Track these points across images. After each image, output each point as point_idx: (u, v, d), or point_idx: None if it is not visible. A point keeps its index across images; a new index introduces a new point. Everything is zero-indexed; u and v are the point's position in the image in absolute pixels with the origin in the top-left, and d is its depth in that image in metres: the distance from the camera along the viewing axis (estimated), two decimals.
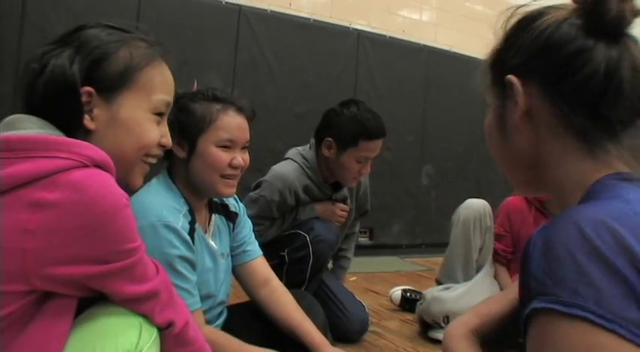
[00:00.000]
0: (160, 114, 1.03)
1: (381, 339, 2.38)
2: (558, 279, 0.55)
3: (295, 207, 2.24)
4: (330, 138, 2.21)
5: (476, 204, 2.49)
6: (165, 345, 0.97)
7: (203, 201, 1.56)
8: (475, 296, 2.37)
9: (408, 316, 2.77)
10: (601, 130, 0.70)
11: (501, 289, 2.39)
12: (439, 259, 4.84)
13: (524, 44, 0.74)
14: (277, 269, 2.09)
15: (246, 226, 1.71)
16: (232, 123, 1.49)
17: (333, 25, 4.46)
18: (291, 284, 2.09)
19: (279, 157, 2.39)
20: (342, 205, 2.34)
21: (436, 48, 5.04)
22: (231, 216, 1.65)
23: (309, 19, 4.33)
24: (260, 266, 1.71)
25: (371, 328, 2.43)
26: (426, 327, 2.45)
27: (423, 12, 5.11)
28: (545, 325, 0.56)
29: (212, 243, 1.55)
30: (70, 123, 0.92)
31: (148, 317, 0.92)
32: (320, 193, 2.29)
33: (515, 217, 2.55)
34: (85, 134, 0.93)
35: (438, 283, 2.55)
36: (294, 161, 2.26)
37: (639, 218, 0.58)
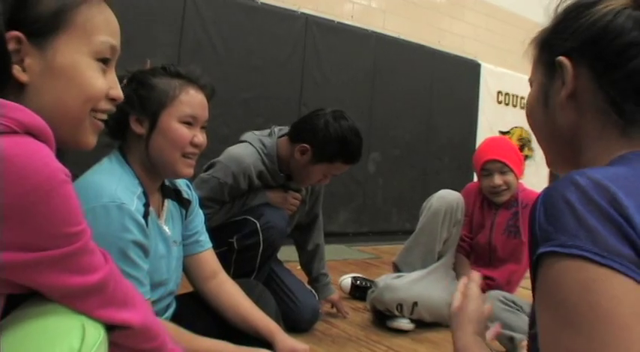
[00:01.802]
0: (104, 61, 0.88)
1: (333, 328, 2.32)
2: (559, 226, 0.61)
3: (246, 193, 2.14)
4: (308, 146, 2.12)
5: (450, 196, 2.45)
6: (125, 345, 0.85)
7: (157, 184, 1.45)
8: (427, 284, 2.35)
9: (359, 304, 2.73)
10: None
11: (458, 279, 2.38)
12: (386, 247, 4.91)
13: (579, 29, 0.77)
14: (225, 257, 2.01)
15: (198, 215, 1.62)
16: (196, 98, 1.42)
17: (281, 8, 4.34)
18: (240, 272, 2.01)
19: (225, 143, 2.27)
20: (294, 194, 2.25)
21: (384, 34, 5.01)
22: (184, 203, 1.55)
23: (256, 1, 4.20)
24: (210, 258, 1.63)
25: (322, 317, 2.37)
26: (379, 315, 2.41)
27: None
28: (548, 267, 0.62)
29: (165, 228, 1.44)
30: None
31: (91, 316, 0.78)
32: (273, 181, 2.20)
33: (468, 200, 2.55)
34: (16, 90, 0.79)
35: (395, 266, 2.51)
36: (252, 145, 2.16)
37: None
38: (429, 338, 2.30)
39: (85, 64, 0.85)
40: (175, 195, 1.55)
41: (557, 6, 0.83)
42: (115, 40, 0.90)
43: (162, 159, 1.38)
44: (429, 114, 5.37)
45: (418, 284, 2.31)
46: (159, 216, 1.45)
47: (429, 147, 5.38)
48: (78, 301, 0.77)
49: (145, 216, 1.32)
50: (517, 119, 6.13)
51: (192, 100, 1.41)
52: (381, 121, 4.96)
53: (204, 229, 1.65)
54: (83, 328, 0.76)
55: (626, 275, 0.57)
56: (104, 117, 0.92)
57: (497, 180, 2.45)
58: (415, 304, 2.28)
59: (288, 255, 2.61)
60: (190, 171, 1.43)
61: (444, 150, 5.50)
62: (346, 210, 4.82)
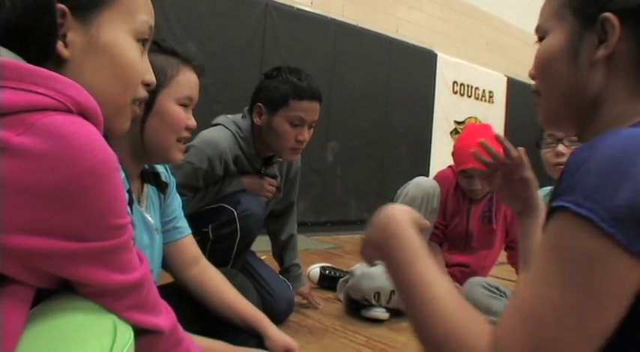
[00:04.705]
0: (143, 43, 0.84)
1: (308, 319, 2.26)
2: (581, 185, 0.60)
3: (222, 179, 2.04)
4: (260, 103, 2.03)
5: (426, 184, 2.41)
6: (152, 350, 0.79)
7: (140, 169, 1.36)
8: None
9: (329, 294, 2.68)
10: None
11: None
12: (345, 237, 4.88)
13: None
14: (200, 247, 1.91)
15: (175, 199, 1.52)
16: (192, 79, 1.35)
17: None
18: (214, 263, 1.91)
19: None
20: (270, 180, 2.16)
21: (344, 22, 4.96)
22: (162, 187, 1.45)
23: None
24: (190, 244, 1.55)
25: (295, 308, 2.31)
26: (352, 305, 2.37)
27: None
28: (556, 220, 0.62)
29: (148, 216, 1.35)
30: (41, 50, 0.69)
31: (122, 317, 0.72)
32: (249, 166, 2.10)
33: (442, 188, 2.52)
34: (55, 66, 0.72)
35: None
36: (227, 128, 2.05)
37: None
38: (407, 327, 2.27)
39: (128, 44, 0.81)
40: (154, 178, 1.45)
41: None
42: (153, 22, 0.86)
43: (157, 143, 1.29)
44: (386, 103, 5.36)
45: None
46: (140, 202, 1.35)
47: (386, 136, 5.38)
48: (112, 300, 0.70)
49: (129, 203, 1.22)
50: (472, 109, 6.21)
51: (189, 81, 1.34)
52: (340, 110, 4.91)
53: (182, 214, 1.56)
54: (115, 328, 0.69)
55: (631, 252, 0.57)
56: (139, 106, 0.90)
57: (477, 184, 2.45)
58: (393, 292, 2.24)
59: (255, 244, 2.53)
60: (181, 156, 1.35)
61: (400, 140, 5.51)
62: (305, 199, 4.75)
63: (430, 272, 0.74)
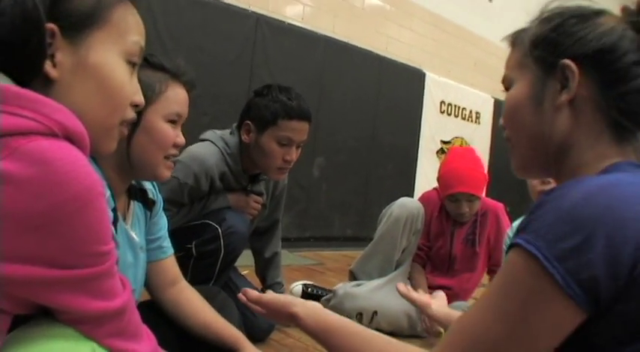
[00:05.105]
0: (133, 65, 0.83)
1: (289, 338, 2.24)
2: (536, 225, 0.64)
3: (207, 195, 2.02)
4: (248, 121, 2.02)
5: (411, 204, 2.42)
6: None
7: (126, 185, 1.33)
8: (387, 294, 2.31)
9: None
10: (637, 127, 0.77)
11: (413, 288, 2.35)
12: (328, 253, 4.86)
13: (587, 37, 0.77)
14: (182, 263, 1.89)
15: (162, 218, 1.50)
16: (181, 95, 1.31)
17: (232, 6, 4.22)
18: (197, 280, 1.89)
19: None
20: (256, 197, 2.14)
21: (334, 39, 4.97)
22: (148, 204, 1.43)
23: None
24: (171, 264, 1.53)
25: (276, 326, 2.29)
26: None
27: (322, 1, 5.02)
28: (510, 254, 0.66)
29: (133, 234, 1.32)
30: (28, 70, 0.68)
31: (101, 344, 0.70)
32: (236, 183, 2.08)
33: (427, 209, 2.52)
34: (42, 86, 0.70)
35: (352, 274, 2.46)
36: (215, 144, 2.03)
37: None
38: None
39: (117, 65, 0.79)
40: (141, 194, 1.43)
41: (544, 7, 0.84)
42: (143, 43, 0.85)
43: (144, 160, 1.26)
44: (373, 120, 5.37)
45: (378, 293, 2.27)
46: (125, 219, 1.33)
47: (372, 153, 5.39)
48: (92, 327, 0.68)
49: (114, 222, 1.20)
50: (459, 129, 6.25)
51: (178, 97, 1.30)
52: (327, 126, 4.90)
53: (167, 234, 1.54)
54: None
55: (567, 294, 0.60)
56: (126, 129, 0.88)
57: (465, 208, 2.46)
58: (375, 313, 2.24)
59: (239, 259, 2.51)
60: (169, 174, 1.32)
61: (387, 158, 5.52)
62: (289, 214, 4.73)
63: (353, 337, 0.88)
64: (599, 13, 0.80)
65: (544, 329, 0.62)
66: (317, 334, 0.95)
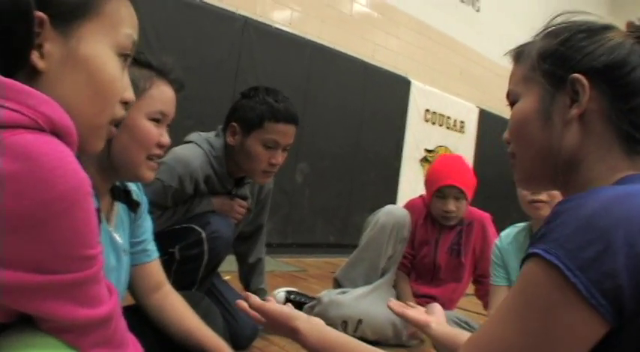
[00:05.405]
0: (125, 58, 0.79)
1: (272, 345, 2.20)
2: (555, 235, 0.62)
3: (191, 198, 1.97)
4: (234, 123, 1.98)
5: (398, 212, 2.39)
6: None
7: (109, 186, 1.28)
8: (372, 302, 2.28)
9: None
10: None
11: (397, 297, 2.33)
12: (310, 260, 4.83)
13: (596, 51, 0.77)
14: (165, 267, 1.84)
15: (147, 220, 1.46)
16: (166, 94, 1.27)
17: (219, 8, 4.19)
18: (179, 285, 1.84)
19: None
20: (241, 201, 2.10)
21: (320, 44, 4.95)
22: (132, 206, 1.38)
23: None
24: (156, 268, 1.48)
25: (259, 334, 2.24)
26: None
27: (310, 6, 5.00)
28: (528, 264, 0.65)
29: (117, 236, 1.28)
30: (14, 60, 0.64)
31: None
32: (220, 187, 2.04)
33: (412, 217, 2.50)
34: (28, 78, 0.66)
35: (336, 282, 2.42)
36: (200, 147, 1.99)
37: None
38: None
39: (109, 58, 0.75)
40: (125, 195, 1.39)
41: (550, 22, 0.85)
42: (136, 36, 0.82)
43: (126, 160, 1.22)
44: (358, 127, 5.35)
45: (363, 301, 2.24)
46: (108, 221, 1.28)
47: (356, 160, 5.37)
48: (77, 336, 0.64)
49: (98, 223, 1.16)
50: (443, 138, 6.26)
51: (163, 95, 1.26)
52: (311, 131, 4.87)
53: (152, 237, 1.50)
54: None
55: (589, 303, 0.58)
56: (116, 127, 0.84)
57: (451, 205, 2.43)
58: (360, 321, 2.20)
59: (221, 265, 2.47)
60: (152, 175, 1.28)
61: (370, 165, 5.50)
62: (271, 220, 4.68)
63: None
64: (607, 28, 0.81)
65: (566, 342, 0.61)
66: (317, 351, 0.94)
